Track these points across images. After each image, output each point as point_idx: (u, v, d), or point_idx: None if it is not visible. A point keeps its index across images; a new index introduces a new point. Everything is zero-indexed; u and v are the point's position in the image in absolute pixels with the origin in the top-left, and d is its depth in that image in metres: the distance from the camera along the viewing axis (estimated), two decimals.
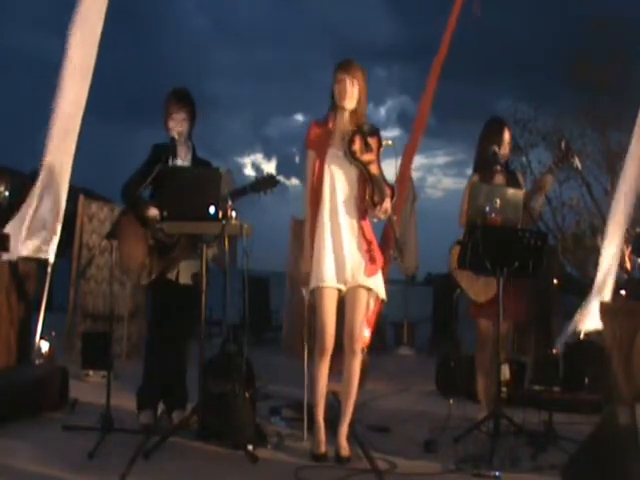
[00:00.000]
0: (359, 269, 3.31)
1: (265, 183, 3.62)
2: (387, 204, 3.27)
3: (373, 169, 3.30)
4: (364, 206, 3.33)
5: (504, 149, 3.94)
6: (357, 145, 3.28)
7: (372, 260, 3.34)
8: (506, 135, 3.96)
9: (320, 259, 3.31)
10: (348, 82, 3.32)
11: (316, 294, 3.34)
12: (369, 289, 3.36)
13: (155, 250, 3.74)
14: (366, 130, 3.32)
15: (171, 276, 3.80)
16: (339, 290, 3.34)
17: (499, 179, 3.95)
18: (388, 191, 3.28)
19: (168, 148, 3.87)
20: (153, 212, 3.71)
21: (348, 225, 3.33)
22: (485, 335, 3.92)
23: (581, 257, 10.37)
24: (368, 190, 3.30)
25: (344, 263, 3.30)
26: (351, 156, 3.28)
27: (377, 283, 3.38)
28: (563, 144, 3.92)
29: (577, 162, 3.93)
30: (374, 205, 3.27)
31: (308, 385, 3.52)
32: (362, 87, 3.36)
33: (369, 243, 3.35)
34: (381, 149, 3.36)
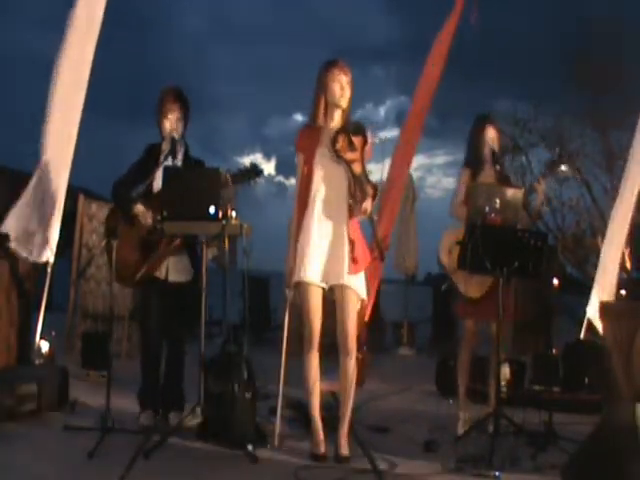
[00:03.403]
0: (341, 268, 3.31)
1: (248, 173, 3.59)
2: (367, 204, 3.26)
3: (356, 167, 3.30)
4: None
5: (493, 144, 3.98)
6: (340, 144, 3.29)
7: (354, 260, 3.33)
8: (490, 132, 4.00)
9: (304, 255, 3.33)
10: (345, 81, 3.34)
11: (300, 290, 3.37)
12: (355, 291, 3.36)
13: (141, 249, 3.73)
14: (351, 129, 3.33)
15: (159, 275, 3.79)
16: (323, 289, 3.36)
17: (489, 176, 3.97)
18: (370, 191, 3.28)
19: (161, 148, 3.87)
20: (139, 209, 3.71)
21: (334, 224, 3.33)
22: (470, 334, 3.93)
23: (581, 257, 10.37)
24: (350, 188, 3.30)
25: (327, 261, 3.32)
26: (335, 154, 3.29)
27: (358, 283, 3.38)
28: (557, 150, 3.97)
29: (564, 168, 3.99)
30: (355, 203, 3.27)
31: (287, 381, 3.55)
32: (352, 89, 3.39)
33: (352, 243, 3.34)
34: (366, 147, 3.34)
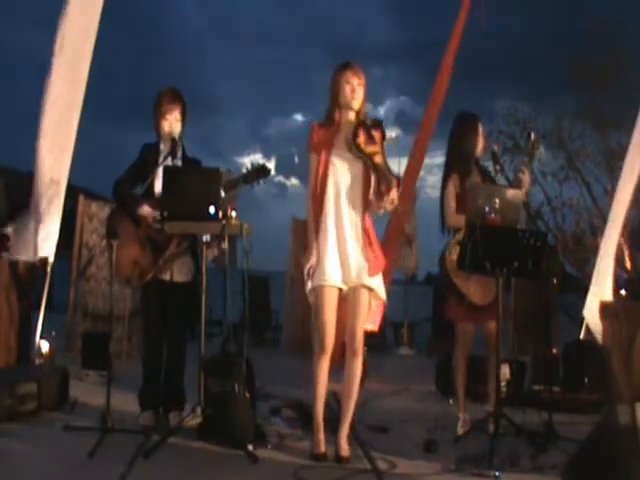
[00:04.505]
0: (362, 269, 3.32)
1: (257, 173, 3.60)
2: (394, 194, 3.26)
3: (378, 159, 3.30)
4: (369, 202, 3.33)
5: (480, 144, 3.97)
6: (361, 137, 3.29)
7: (375, 261, 3.35)
8: (480, 129, 3.98)
9: (323, 259, 3.32)
10: (357, 83, 3.36)
11: (317, 292, 3.35)
12: (370, 289, 3.37)
13: (147, 249, 3.73)
14: (369, 123, 3.34)
15: (165, 276, 3.80)
16: (340, 289, 3.36)
17: (476, 177, 3.95)
18: (394, 181, 3.27)
19: (158, 148, 3.87)
20: (146, 209, 3.72)
21: (352, 225, 3.34)
22: (468, 338, 3.92)
23: (581, 256, 10.36)
24: (373, 181, 3.29)
25: (348, 263, 3.32)
26: (356, 149, 3.29)
27: (378, 283, 3.40)
28: (533, 135, 3.94)
29: (539, 154, 3.95)
30: (380, 196, 3.27)
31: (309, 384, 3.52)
32: (365, 87, 3.40)
33: (372, 244, 3.36)
34: (384, 142, 3.37)
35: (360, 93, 3.38)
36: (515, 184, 3.92)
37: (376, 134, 3.33)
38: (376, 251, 3.38)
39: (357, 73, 3.37)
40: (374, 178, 3.30)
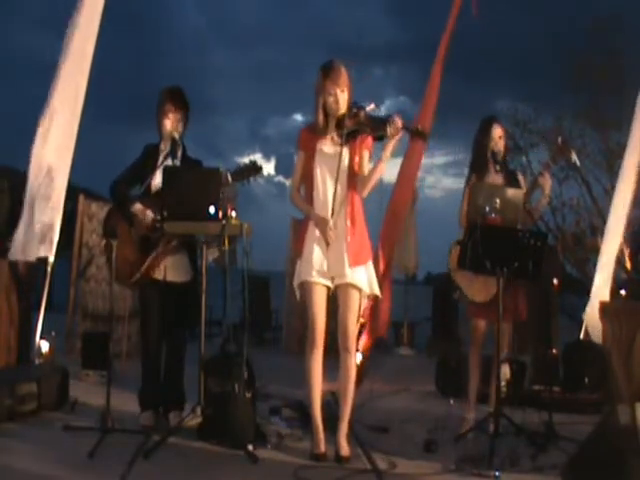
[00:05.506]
0: (342, 264, 3.32)
1: (248, 171, 3.59)
2: (396, 122, 3.20)
3: (364, 119, 3.30)
4: (358, 184, 3.36)
5: (496, 145, 3.95)
6: (347, 123, 3.29)
7: (355, 253, 3.34)
8: (497, 131, 3.97)
9: (309, 254, 3.35)
10: (339, 93, 3.34)
11: (305, 288, 3.37)
12: (360, 288, 3.36)
13: (141, 249, 3.74)
14: (351, 110, 3.33)
15: (158, 275, 3.79)
16: (328, 287, 3.36)
17: (497, 178, 3.95)
18: (388, 118, 3.24)
19: (159, 148, 3.86)
20: (137, 207, 3.72)
21: (336, 221, 3.33)
22: (479, 335, 3.92)
23: (581, 256, 10.36)
24: (371, 133, 3.31)
25: (329, 259, 3.33)
26: (346, 129, 3.28)
27: (363, 277, 3.38)
28: (560, 139, 3.93)
29: (574, 157, 3.93)
30: (386, 137, 3.24)
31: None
32: (350, 88, 3.38)
33: (355, 235, 3.35)
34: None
35: (343, 98, 3.34)
36: (535, 188, 3.91)
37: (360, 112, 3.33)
38: (359, 242, 3.37)
39: (338, 82, 3.32)
40: (372, 134, 3.31)
